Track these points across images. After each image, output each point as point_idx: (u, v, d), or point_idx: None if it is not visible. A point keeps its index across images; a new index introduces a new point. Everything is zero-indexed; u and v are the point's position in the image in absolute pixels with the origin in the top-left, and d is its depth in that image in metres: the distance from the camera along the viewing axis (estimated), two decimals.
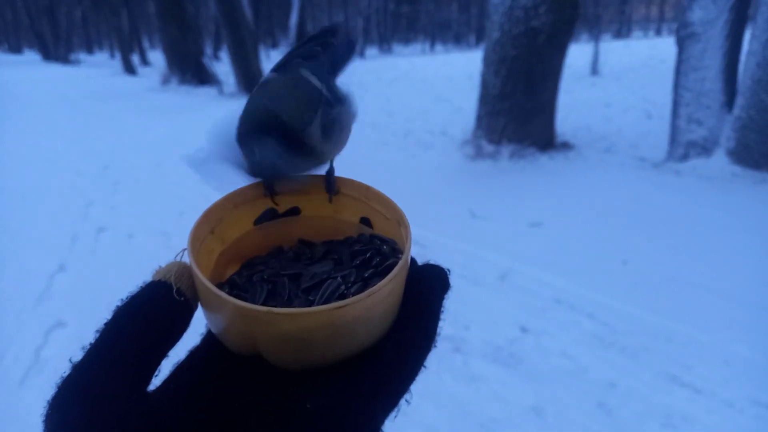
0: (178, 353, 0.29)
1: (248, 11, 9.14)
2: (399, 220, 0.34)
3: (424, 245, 2.85)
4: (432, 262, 0.33)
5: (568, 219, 3.18)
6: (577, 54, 11.23)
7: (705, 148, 3.98)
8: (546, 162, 4.37)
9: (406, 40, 35.62)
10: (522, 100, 4.40)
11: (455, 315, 2.15)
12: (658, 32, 35.44)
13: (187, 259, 0.30)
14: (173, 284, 0.28)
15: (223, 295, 0.26)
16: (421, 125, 6.20)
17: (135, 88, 11.31)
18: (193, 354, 0.30)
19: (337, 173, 0.39)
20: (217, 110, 7.80)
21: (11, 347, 2.01)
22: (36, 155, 5.14)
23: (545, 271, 2.53)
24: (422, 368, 0.29)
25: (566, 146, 4.71)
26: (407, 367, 0.28)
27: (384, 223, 0.36)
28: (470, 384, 1.76)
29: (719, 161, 3.89)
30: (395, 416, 0.27)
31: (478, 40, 31.15)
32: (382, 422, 0.27)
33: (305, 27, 12.58)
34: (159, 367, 0.27)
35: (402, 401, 0.28)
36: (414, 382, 0.28)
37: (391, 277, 0.28)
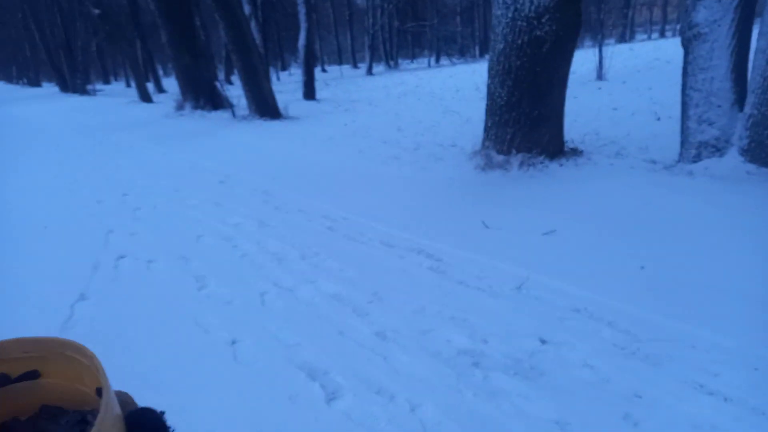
0: None
1: (257, 36, 9.31)
2: (96, 367, 0.34)
3: (439, 258, 2.85)
4: (145, 406, 0.34)
5: (581, 226, 3.15)
6: (582, 59, 11.18)
7: (717, 148, 3.93)
8: (556, 169, 4.35)
9: (412, 55, 35.88)
10: (529, 109, 4.40)
11: (473, 328, 2.14)
12: (662, 34, 35.20)
13: None
14: None
15: None
16: (431, 138, 6.23)
17: (151, 115, 11.54)
18: None
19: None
20: (231, 133, 7.93)
21: None
22: (57, 185, 5.26)
23: (562, 280, 2.51)
24: None
25: (575, 152, 4.69)
26: None
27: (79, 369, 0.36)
28: (491, 399, 1.74)
29: (732, 160, 3.83)
30: None
31: (482, 51, 31.24)
32: None
33: (313, 48, 12.77)
34: None
35: None
36: None
37: None
